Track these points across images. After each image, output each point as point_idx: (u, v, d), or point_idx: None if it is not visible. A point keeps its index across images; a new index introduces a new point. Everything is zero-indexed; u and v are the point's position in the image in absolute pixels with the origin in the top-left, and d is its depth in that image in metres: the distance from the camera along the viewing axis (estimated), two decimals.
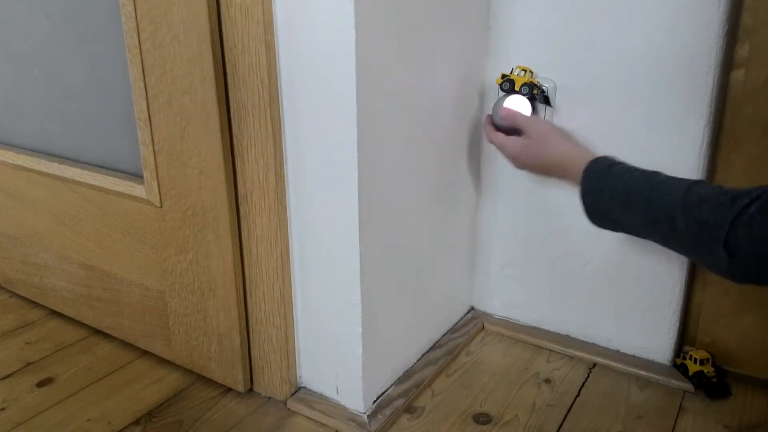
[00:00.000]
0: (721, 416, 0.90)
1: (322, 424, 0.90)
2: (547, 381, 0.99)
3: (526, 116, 0.92)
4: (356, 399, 0.89)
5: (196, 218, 0.89)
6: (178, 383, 1.00)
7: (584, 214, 0.80)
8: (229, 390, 0.98)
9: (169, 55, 0.82)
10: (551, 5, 0.93)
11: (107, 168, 1.01)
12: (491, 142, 0.96)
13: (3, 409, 0.94)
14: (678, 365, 0.99)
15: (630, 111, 0.91)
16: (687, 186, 0.66)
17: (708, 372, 0.96)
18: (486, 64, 1.01)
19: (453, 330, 1.11)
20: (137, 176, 0.96)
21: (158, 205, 0.93)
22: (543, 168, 0.89)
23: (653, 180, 0.71)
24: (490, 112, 0.97)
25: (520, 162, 0.92)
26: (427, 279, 1.00)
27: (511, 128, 0.95)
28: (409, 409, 0.93)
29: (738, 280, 0.62)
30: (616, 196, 0.74)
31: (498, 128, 0.96)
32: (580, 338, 1.07)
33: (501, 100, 0.95)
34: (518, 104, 0.94)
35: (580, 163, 0.80)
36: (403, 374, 0.98)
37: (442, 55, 0.90)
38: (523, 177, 1.01)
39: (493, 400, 0.94)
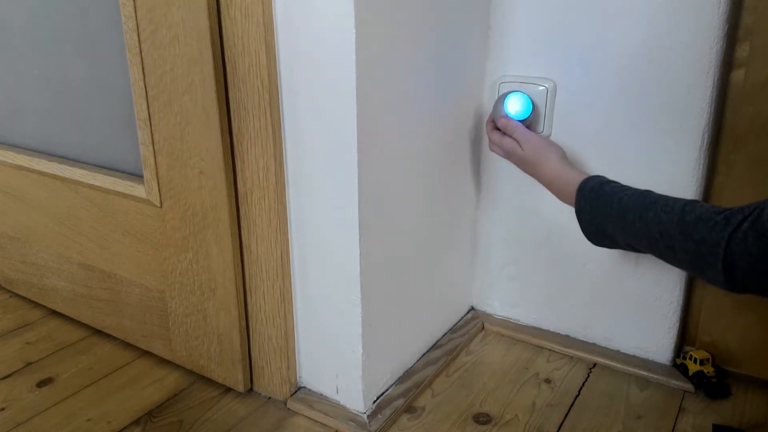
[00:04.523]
0: (721, 416, 0.90)
1: (322, 424, 0.90)
2: (547, 381, 0.99)
3: (523, 132, 0.92)
4: (356, 399, 0.89)
5: (196, 218, 0.89)
6: (178, 383, 1.00)
7: (582, 232, 0.81)
8: (229, 390, 0.98)
9: (169, 55, 0.82)
10: (551, 5, 0.93)
11: (107, 168, 1.02)
12: (491, 140, 0.96)
13: (3, 409, 0.94)
14: (678, 365, 0.99)
15: (630, 111, 0.91)
16: (682, 206, 0.68)
17: (708, 372, 0.96)
18: (486, 63, 1.01)
19: (453, 330, 1.11)
20: (137, 176, 0.96)
21: (158, 205, 0.93)
22: (537, 180, 0.91)
23: (647, 200, 0.73)
24: (491, 112, 0.97)
25: (515, 163, 0.94)
26: (427, 279, 1.00)
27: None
28: (409, 409, 0.93)
29: (737, 292, 0.64)
30: (612, 215, 0.75)
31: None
32: (580, 338, 1.08)
33: (501, 98, 0.95)
34: (519, 102, 0.94)
35: (572, 183, 0.82)
36: (403, 374, 0.98)
37: (443, 54, 0.90)
38: (524, 177, 1.01)
39: (493, 400, 0.94)
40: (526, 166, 0.91)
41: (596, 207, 0.78)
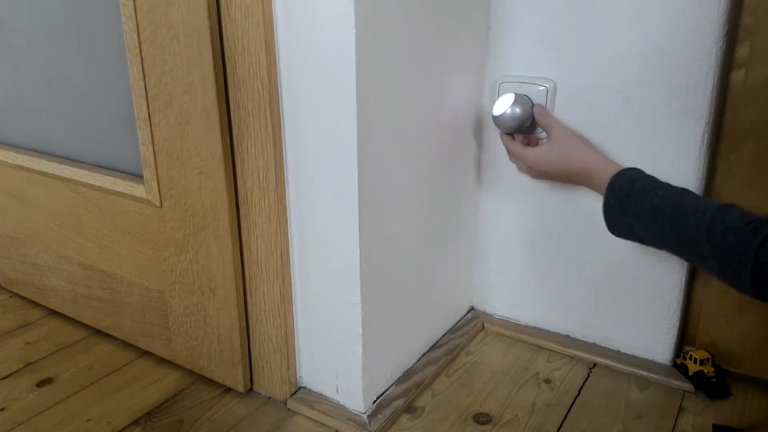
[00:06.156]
0: (721, 416, 0.90)
1: (322, 424, 0.90)
2: (547, 381, 0.99)
3: (553, 118, 0.92)
4: (356, 399, 0.89)
5: (196, 218, 0.89)
6: (178, 383, 1.00)
7: (606, 226, 0.80)
8: (229, 390, 0.98)
9: (169, 55, 0.82)
10: (551, 5, 0.93)
11: (107, 168, 1.02)
12: (509, 152, 0.95)
13: (3, 409, 0.94)
14: (678, 365, 0.99)
15: (630, 111, 0.91)
16: (712, 213, 0.67)
17: (708, 372, 0.96)
18: (486, 64, 1.01)
19: (453, 330, 1.11)
20: (137, 176, 0.96)
21: (158, 205, 0.93)
22: (563, 175, 0.88)
23: (678, 203, 0.72)
24: (492, 112, 0.97)
25: (539, 170, 0.90)
26: (427, 279, 1.00)
27: (513, 129, 0.94)
28: (409, 409, 0.93)
29: (766, 301, 0.64)
30: (641, 215, 0.75)
31: (499, 129, 0.96)
32: (580, 338, 1.07)
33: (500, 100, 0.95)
34: (507, 101, 0.93)
35: (603, 175, 0.80)
36: (403, 374, 0.98)
37: (442, 55, 0.90)
38: (524, 177, 1.01)
39: (493, 400, 0.94)
40: (554, 156, 0.87)
41: (626, 206, 0.77)
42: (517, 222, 1.07)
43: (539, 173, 0.92)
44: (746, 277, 0.62)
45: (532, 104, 0.95)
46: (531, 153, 0.91)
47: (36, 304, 1.24)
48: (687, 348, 1.02)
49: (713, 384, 0.95)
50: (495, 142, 1.03)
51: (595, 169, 0.83)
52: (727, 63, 0.87)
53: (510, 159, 0.97)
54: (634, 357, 1.03)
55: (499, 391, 0.96)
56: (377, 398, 0.92)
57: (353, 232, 0.80)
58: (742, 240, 0.63)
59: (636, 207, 0.75)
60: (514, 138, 0.96)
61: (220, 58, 0.79)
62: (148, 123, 0.89)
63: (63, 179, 1.05)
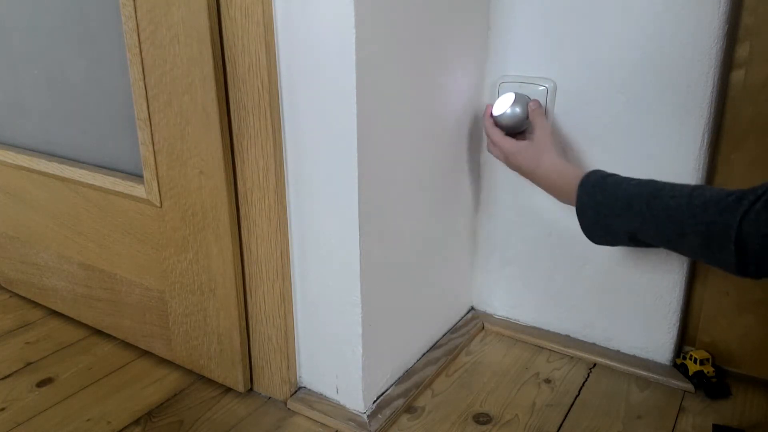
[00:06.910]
0: (721, 416, 0.90)
1: (322, 424, 0.90)
2: (547, 381, 0.99)
3: (542, 118, 0.91)
4: (356, 399, 0.89)
5: (196, 218, 0.89)
6: (178, 383, 1.00)
7: (582, 230, 0.80)
8: (229, 390, 0.98)
9: (169, 55, 0.82)
10: (551, 5, 0.93)
11: (107, 168, 1.02)
12: (488, 135, 0.96)
13: (3, 409, 0.94)
14: (678, 365, 0.99)
15: (630, 111, 0.91)
16: (690, 191, 0.67)
17: (708, 372, 0.96)
18: (486, 64, 1.01)
19: (453, 330, 1.11)
20: (137, 176, 0.96)
21: (158, 205, 0.93)
22: (532, 174, 0.89)
23: (652, 187, 0.72)
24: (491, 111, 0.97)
25: (513, 163, 0.92)
26: (427, 279, 1.00)
27: (511, 128, 0.94)
28: (409, 409, 0.93)
29: (750, 276, 0.63)
30: (617, 205, 0.74)
31: (499, 128, 0.96)
32: (580, 338, 1.08)
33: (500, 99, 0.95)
34: (507, 101, 0.93)
35: (572, 180, 0.80)
36: (403, 374, 0.98)
37: (442, 55, 0.90)
38: (523, 177, 1.01)
39: (493, 400, 0.94)
40: (527, 154, 0.89)
41: (600, 200, 0.76)
42: (517, 222, 1.07)
43: (513, 167, 0.93)
44: (730, 247, 0.61)
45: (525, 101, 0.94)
46: (509, 144, 0.92)
47: (36, 304, 1.24)
48: (687, 348, 1.02)
49: (713, 384, 0.95)
50: None
51: (563, 174, 0.83)
52: (727, 63, 0.87)
53: (488, 147, 0.98)
54: (634, 357, 1.03)
55: (499, 391, 0.96)
56: (377, 398, 0.92)
57: (353, 232, 0.80)
58: (725, 210, 0.61)
59: (611, 199, 0.75)
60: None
61: (220, 58, 0.79)
62: (148, 123, 0.89)
63: (63, 179, 1.05)
